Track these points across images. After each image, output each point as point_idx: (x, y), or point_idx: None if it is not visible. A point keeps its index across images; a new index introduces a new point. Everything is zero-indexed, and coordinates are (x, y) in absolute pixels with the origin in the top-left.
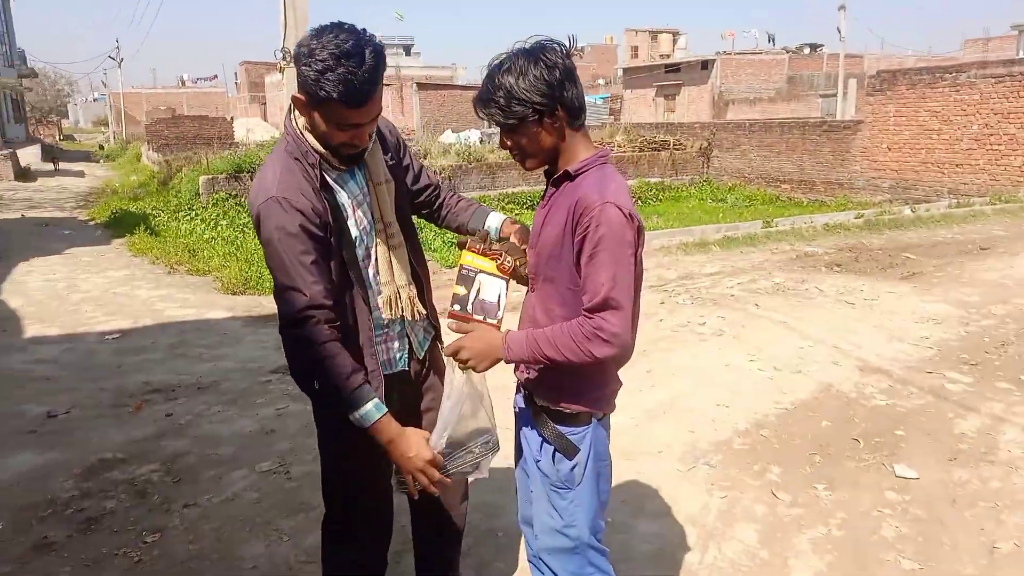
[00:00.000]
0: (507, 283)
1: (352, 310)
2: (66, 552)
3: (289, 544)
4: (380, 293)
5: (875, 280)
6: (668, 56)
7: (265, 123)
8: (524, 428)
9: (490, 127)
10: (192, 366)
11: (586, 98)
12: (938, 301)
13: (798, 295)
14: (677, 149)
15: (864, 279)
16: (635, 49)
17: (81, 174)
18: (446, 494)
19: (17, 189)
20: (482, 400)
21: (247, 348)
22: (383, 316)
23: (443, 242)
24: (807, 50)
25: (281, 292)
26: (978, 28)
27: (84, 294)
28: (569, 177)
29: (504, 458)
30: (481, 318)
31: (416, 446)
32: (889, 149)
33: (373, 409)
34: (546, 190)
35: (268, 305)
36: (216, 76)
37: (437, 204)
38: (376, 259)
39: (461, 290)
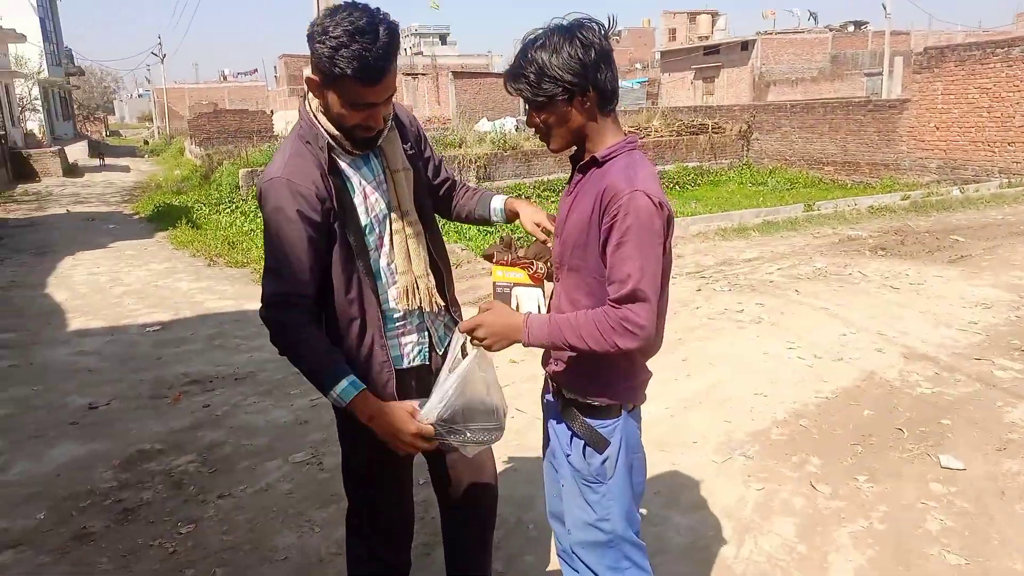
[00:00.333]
0: (543, 289)
1: (360, 300)
2: (104, 543)
3: (320, 535)
4: (396, 283)
5: (921, 264)
6: (707, 38)
7: None
8: (552, 422)
9: (525, 115)
10: (229, 357)
11: (622, 83)
12: (987, 285)
13: (840, 280)
14: (716, 132)
15: (910, 263)
16: (672, 31)
17: (127, 169)
18: (476, 484)
19: (65, 184)
20: (489, 387)
21: None
22: (398, 307)
23: (478, 231)
24: (851, 28)
25: (266, 272)
26: None
27: (127, 287)
28: (596, 163)
29: (534, 450)
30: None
31: (399, 420)
32: (937, 128)
33: (349, 386)
34: (572, 176)
35: None
36: (256, 70)
37: (450, 197)
38: (392, 248)
39: None
